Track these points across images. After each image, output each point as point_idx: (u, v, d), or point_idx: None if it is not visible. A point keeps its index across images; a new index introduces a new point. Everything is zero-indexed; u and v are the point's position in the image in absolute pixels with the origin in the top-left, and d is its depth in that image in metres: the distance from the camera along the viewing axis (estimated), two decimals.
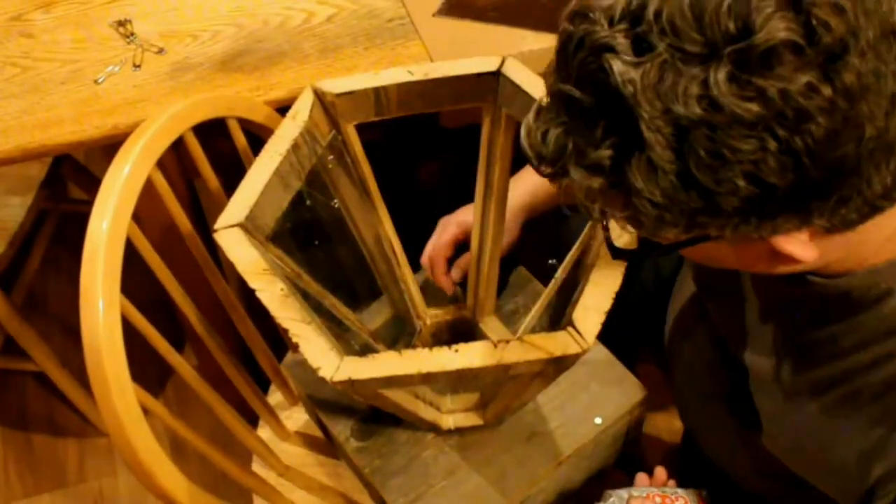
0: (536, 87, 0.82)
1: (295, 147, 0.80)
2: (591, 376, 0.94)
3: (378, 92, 0.83)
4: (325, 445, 1.03)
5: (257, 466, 1.01)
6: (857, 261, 0.59)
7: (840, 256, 0.58)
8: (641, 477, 0.89)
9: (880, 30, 0.45)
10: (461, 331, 1.05)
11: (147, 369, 0.81)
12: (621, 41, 0.47)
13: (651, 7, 0.46)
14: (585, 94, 0.49)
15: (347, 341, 0.90)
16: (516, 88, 0.82)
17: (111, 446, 1.53)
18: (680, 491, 0.86)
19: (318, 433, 1.04)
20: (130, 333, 0.72)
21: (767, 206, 0.49)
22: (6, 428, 1.57)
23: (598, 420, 0.91)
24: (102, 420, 0.68)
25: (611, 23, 0.48)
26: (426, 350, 0.66)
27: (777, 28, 0.44)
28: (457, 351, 0.65)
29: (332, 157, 0.88)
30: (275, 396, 1.08)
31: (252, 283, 0.70)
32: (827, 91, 0.44)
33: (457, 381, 0.69)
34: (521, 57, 0.90)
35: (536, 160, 0.54)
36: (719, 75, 0.45)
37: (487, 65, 0.83)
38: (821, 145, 0.45)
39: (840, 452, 0.67)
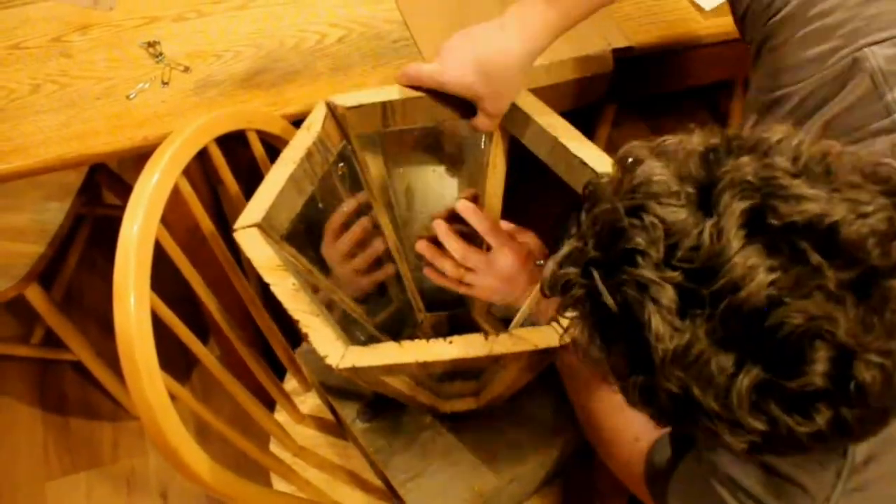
0: (527, 103, 0.82)
1: (308, 155, 0.80)
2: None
3: (385, 106, 0.83)
4: (336, 428, 1.03)
5: (274, 447, 1.02)
6: None
7: None
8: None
9: None
10: (459, 324, 1.05)
11: (174, 359, 0.81)
12: (670, 294, 0.42)
13: (714, 284, 0.41)
14: (615, 303, 0.44)
15: (354, 333, 0.90)
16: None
17: (142, 429, 1.54)
18: None
19: (329, 417, 1.04)
20: (159, 326, 0.72)
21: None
22: (46, 412, 1.58)
23: None
24: (134, 405, 0.69)
25: (667, 256, 0.42)
26: (423, 341, 0.66)
27: (818, 373, 0.40)
28: (451, 342, 0.66)
29: (341, 164, 0.88)
30: (290, 383, 1.08)
31: (266, 278, 0.70)
32: (822, 421, 0.42)
33: (452, 369, 0.69)
34: None
35: (550, 292, 0.50)
36: (744, 384, 0.41)
37: None
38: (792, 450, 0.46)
39: None
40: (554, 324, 0.64)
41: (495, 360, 0.66)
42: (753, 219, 0.42)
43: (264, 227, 0.75)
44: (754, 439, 0.43)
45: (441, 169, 0.98)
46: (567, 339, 0.62)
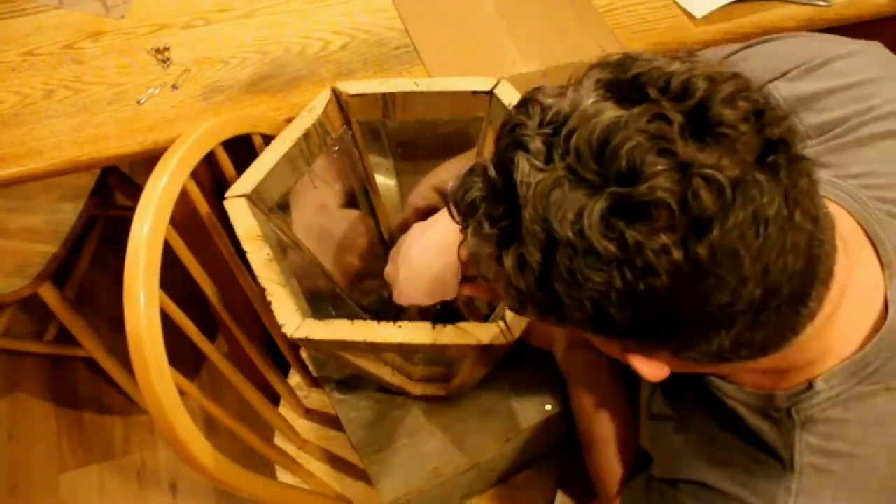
0: (511, 100, 0.82)
1: (306, 136, 0.81)
2: (548, 367, 0.93)
3: (386, 97, 0.84)
4: (338, 422, 1.04)
5: (279, 441, 1.02)
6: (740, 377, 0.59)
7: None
8: None
9: (752, 216, 0.42)
10: (446, 314, 1.04)
11: (183, 356, 0.82)
12: (537, 145, 0.46)
13: (567, 125, 0.45)
14: (498, 177, 0.48)
15: (327, 308, 0.90)
16: (504, 107, 0.83)
17: (152, 423, 1.54)
18: None
19: (332, 411, 1.05)
20: (168, 324, 0.73)
21: (607, 329, 0.48)
22: (60, 407, 1.58)
23: (547, 406, 0.91)
24: (144, 400, 0.69)
25: (540, 123, 0.47)
26: (374, 322, 0.67)
27: (659, 186, 0.42)
28: (400, 327, 0.67)
29: (337, 148, 0.89)
30: (294, 379, 1.09)
31: (244, 246, 0.72)
32: (678, 256, 0.42)
33: (401, 352, 0.69)
34: (512, 79, 0.91)
35: (454, 207, 0.53)
36: (595, 208, 0.43)
37: (483, 84, 0.84)
38: (659, 298, 0.44)
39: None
40: (500, 322, 0.65)
41: (440, 350, 0.67)
42: (609, 81, 0.46)
43: (253, 198, 0.76)
44: (615, 281, 0.44)
45: (435, 160, 0.97)
46: (513, 338, 0.63)
